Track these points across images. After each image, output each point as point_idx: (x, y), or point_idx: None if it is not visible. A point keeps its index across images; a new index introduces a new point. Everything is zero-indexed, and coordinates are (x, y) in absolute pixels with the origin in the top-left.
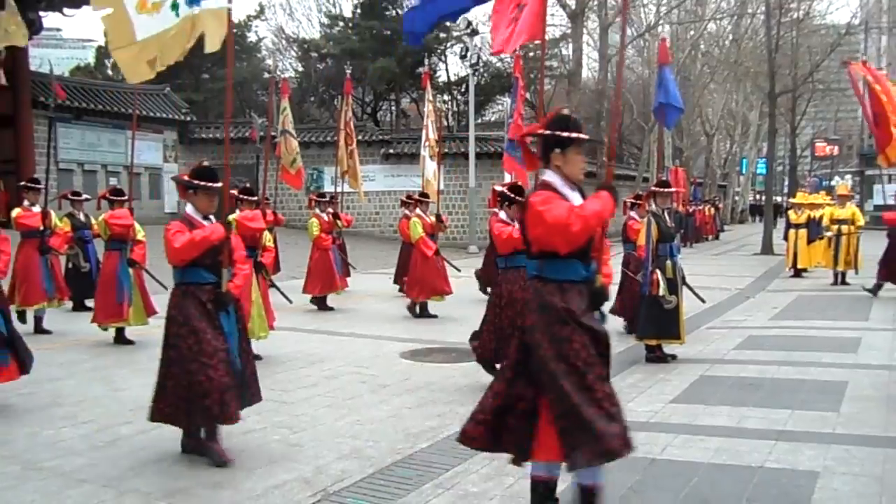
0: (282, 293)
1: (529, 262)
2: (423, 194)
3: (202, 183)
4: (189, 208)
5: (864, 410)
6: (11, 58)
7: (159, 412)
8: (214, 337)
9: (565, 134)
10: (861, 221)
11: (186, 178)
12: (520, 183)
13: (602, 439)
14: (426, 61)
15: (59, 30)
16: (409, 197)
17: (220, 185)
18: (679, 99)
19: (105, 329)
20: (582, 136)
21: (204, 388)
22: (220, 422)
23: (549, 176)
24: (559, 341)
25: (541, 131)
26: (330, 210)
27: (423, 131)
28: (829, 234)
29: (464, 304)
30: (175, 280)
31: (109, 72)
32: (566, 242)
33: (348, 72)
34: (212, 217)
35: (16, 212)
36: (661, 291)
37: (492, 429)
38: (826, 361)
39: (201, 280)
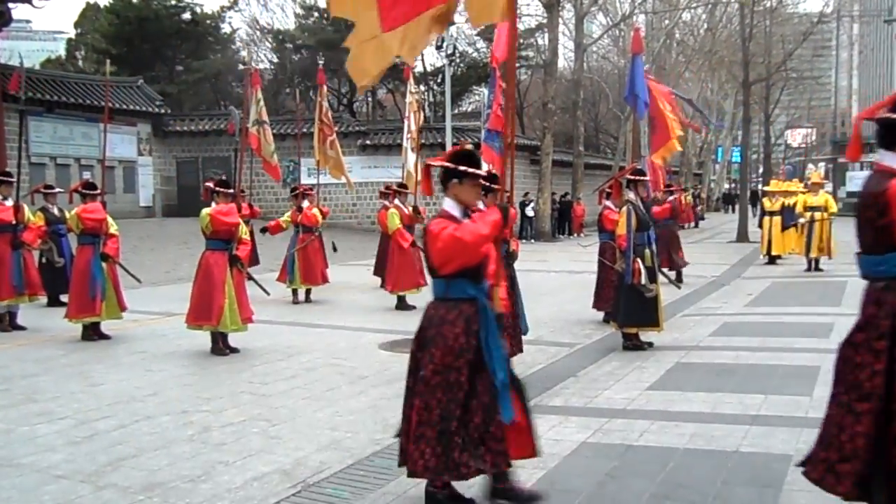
0: (259, 285)
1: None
2: (402, 185)
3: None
4: None
5: None
6: None
7: None
8: None
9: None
10: (834, 208)
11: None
12: (495, 172)
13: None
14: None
15: (28, 21)
16: (387, 188)
17: None
18: (646, 91)
19: (79, 324)
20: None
21: None
22: None
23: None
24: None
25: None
26: (304, 203)
27: (405, 123)
28: (802, 220)
29: None
30: None
31: (81, 64)
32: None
33: (321, 62)
34: None
35: None
36: (643, 280)
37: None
38: (799, 347)
39: None
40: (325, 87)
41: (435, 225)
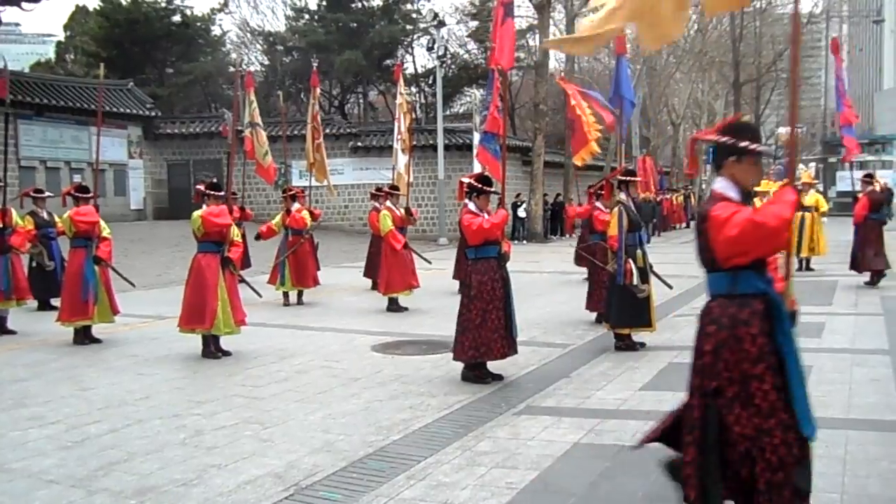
0: (251, 288)
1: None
2: (393, 187)
3: None
4: None
5: (828, 393)
6: None
7: None
8: None
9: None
10: (824, 208)
11: None
12: (487, 174)
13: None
14: (395, 53)
15: (17, 24)
16: (378, 189)
17: None
18: (632, 92)
19: (72, 327)
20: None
21: None
22: None
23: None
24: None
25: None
26: (293, 206)
27: (396, 124)
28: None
29: (434, 297)
30: None
31: (70, 66)
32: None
33: (314, 65)
34: None
35: None
36: (635, 281)
37: None
38: None
39: None
40: (318, 89)
41: (720, 209)
